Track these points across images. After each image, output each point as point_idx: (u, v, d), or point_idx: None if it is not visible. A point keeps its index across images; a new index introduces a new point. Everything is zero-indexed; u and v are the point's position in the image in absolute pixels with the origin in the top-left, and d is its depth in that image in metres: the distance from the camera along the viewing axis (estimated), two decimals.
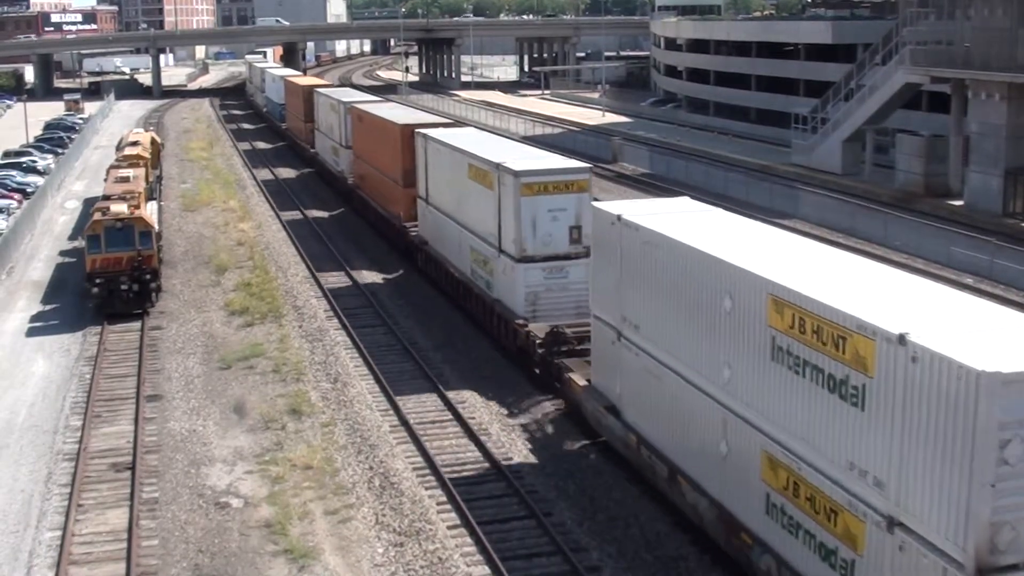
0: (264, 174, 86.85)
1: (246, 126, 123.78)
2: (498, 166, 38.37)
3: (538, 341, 34.97)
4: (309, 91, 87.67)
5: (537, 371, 35.80)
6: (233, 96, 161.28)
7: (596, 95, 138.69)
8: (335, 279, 51.59)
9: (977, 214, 59.10)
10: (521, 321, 36.70)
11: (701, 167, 75.40)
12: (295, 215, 68.68)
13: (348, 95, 78.23)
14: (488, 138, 49.82)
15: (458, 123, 66.14)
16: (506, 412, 34.21)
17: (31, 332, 44.62)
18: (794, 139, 79.50)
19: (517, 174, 36.70)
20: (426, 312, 45.57)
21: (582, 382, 31.67)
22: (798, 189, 65.79)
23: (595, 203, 27.60)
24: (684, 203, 30.83)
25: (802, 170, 74.88)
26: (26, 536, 27.17)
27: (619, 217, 28.08)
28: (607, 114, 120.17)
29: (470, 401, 35.02)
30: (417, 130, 50.97)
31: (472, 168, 41.37)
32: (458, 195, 43.74)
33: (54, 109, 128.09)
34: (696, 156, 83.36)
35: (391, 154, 55.17)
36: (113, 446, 32.47)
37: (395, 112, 62.74)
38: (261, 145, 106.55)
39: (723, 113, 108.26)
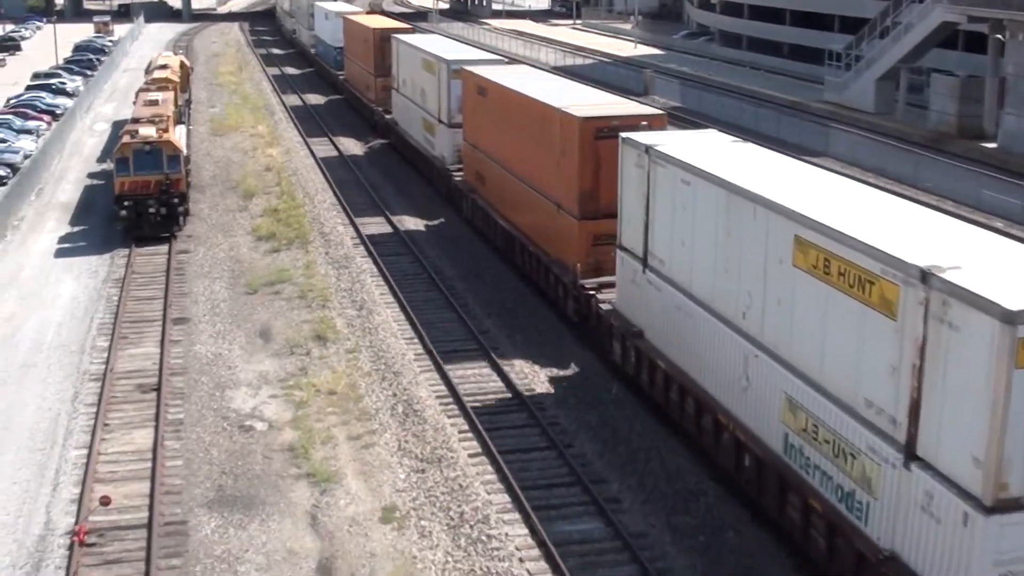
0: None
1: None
2: (951, 288, 17.59)
3: None
4: (383, 37, 66.51)
5: None
6: (263, 22, 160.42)
7: (628, 26, 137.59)
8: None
9: (1011, 157, 58.54)
10: None
11: (732, 102, 74.86)
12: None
13: (451, 49, 56.19)
14: (835, 183, 25.33)
15: (693, 120, 42.39)
16: None
17: (59, 253, 44.85)
18: (827, 76, 78.75)
19: (1012, 317, 16.53)
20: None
21: None
22: (829, 127, 65.29)
23: None
24: None
25: (834, 107, 74.31)
26: (53, 454, 27.49)
27: None
28: (639, 46, 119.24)
29: None
30: (623, 135, 30.08)
31: (824, 259, 20.69)
32: (753, 282, 23.34)
33: (83, 31, 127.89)
34: (727, 91, 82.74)
35: (555, 162, 35.49)
36: (139, 367, 32.74)
37: (553, 89, 40.33)
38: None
39: (756, 48, 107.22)
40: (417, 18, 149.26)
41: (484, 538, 23.19)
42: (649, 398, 29.06)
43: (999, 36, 63.17)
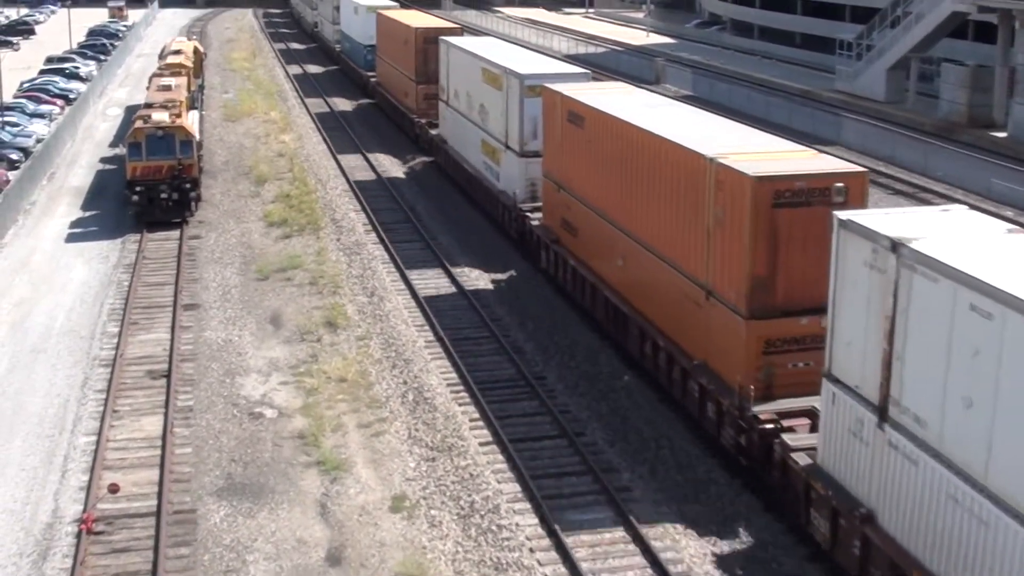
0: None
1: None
2: None
3: None
4: (427, 38, 58.48)
5: None
6: (275, 4, 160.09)
7: (641, 15, 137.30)
8: None
9: (1020, 146, 58.32)
10: None
11: (743, 90, 74.68)
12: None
13: (521, 59, 46.42)
14: None
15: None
16: None
17: (71, 238, 44.90)
18: (838, 65, 78.53)
19: None
20: None
21: None
22: (840, 116, 65.13)
23: None
24: None
25: (845, 97, 74.12)
26: (61, 440, 27.51)
27: None
28: (651, 35, 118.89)
29: None
30: (844, 216, 20.03)
31: None
32: None
33: (98, 16, 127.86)
34: (739, 79, 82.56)
35: (704, 231, 25.83)
36: (149, 353, 32.76)
37: (690, 124, 30.41)
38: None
39: (768, 37, 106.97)
40: (429, 4, 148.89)
41: (494, 528, 23.19)
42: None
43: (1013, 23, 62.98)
